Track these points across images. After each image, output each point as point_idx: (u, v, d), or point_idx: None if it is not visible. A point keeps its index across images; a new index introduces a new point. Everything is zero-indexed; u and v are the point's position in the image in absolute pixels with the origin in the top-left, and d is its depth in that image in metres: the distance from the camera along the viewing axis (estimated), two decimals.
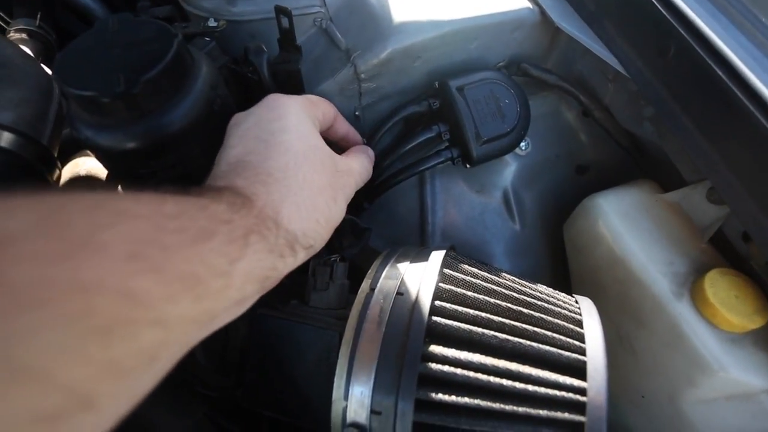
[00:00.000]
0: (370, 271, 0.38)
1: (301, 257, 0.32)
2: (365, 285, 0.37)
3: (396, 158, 0.50)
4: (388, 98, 0.53)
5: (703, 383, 0.40)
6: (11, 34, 0.58)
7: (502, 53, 0.55)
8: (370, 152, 0.44)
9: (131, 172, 0.40)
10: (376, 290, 0.36)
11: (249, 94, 0.47)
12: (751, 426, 0.40)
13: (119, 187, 0.41)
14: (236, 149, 0.33)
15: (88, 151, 0.55)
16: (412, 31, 0.48)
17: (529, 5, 0.52)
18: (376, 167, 0.51)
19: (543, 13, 0.52)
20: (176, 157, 0.39)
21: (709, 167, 0.41)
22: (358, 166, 0.40)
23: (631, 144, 0.55)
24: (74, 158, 0.55)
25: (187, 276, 0.21)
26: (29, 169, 0.43)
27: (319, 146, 0.35)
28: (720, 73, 0.39)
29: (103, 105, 0.34)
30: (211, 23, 0.47)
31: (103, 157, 0.40)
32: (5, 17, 0.59)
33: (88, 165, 0.53)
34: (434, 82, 0.52)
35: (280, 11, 0.43)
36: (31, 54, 0.54)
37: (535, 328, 0.33)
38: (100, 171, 0.53)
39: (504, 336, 0.32)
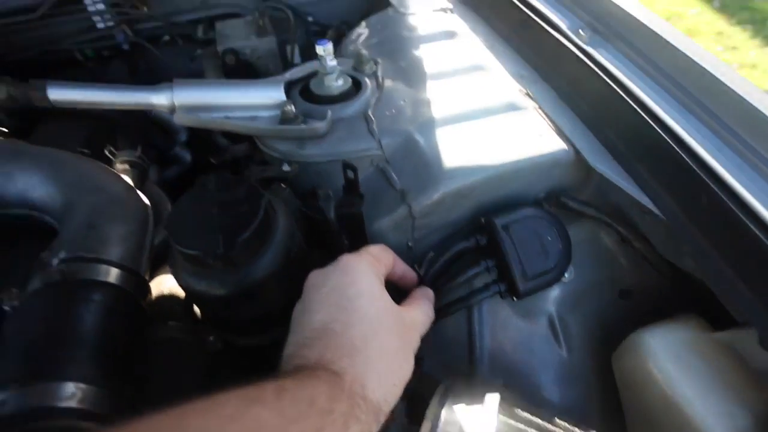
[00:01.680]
0: (428, 413, 0.40)
1: (382, 420, 0.34)
2: (426, 426, 0.39)
3: (447, 290, 0.54)
4: (437, 231, 0.58)
5: None
6: (117, 165, 0.68)
7: (541, 187, 0.59)
8: (430, 294, 0.48)
9: (219, 312, 0.45)
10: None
11: (316, 231, 0.54)
12: None
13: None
14: (319, 315, 0.36)
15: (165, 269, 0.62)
16: (461, 175, 0.54)
17: (565, 146, 0.58)
18: None
19: (578, 152, 0.57)
20: (260, 300, 0.45)
21: (752, 315, 0.42)
22: (422, 317, 0.43)
23: (673, 274, 0.56)
24: (158, 274, 0.62)
25: None
26: (130, 300, 0.48)
27: (388, 307, 0.39)
28: (753, 228, 0.42)
29: (203, 261, 0.40)
30: (285, 168, 0.55)
31: (196, 299, 0.46)
32: (113, 149, 0.70)
33: (169, 284, 0.59)
34: (481, 217, 0.57)
35: (347, 166, 0.50)
36: (132, 184, 0.63)
37: None
38: (180, 290, 0.59)
39: None
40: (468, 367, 0.56)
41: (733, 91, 0.48)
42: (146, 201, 0.59)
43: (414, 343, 0.40)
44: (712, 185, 0.46)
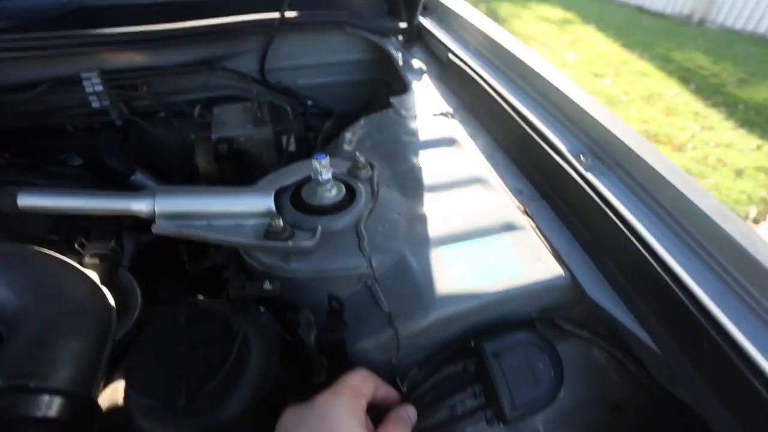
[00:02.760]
0: None
1: None
2: None
3: (430, 413, 0.50)
4: (423, 350, 0.54)
5: None
6: (86, 259, 0.65)
7: (534, 308, 0.57)
8: (410, 413, 0.45)
9: None
10: None
11: (294, 352, 0.50)
12: None
13: None
14: None
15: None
16: (453, 302, 0.52)
17: (562, 272, 0.56)
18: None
19: (574, 278, 0.55)
20: None
21: None
22: None
23: (666, 397, 0.53)
24: (112, 382, 0.56)
25: None
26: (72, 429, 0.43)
27: None
28: (751, 378, 0.39)
29: (163, 410, 0.36)
30: (267, 287, 0.51)
31: None
32: (84, 241, 0.66)
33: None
34: (470, 339, 0.53)
35: (333, 298, 0.47)
36: (99, 280, 0.58)
37: None
38: None
39: None
40: None
41: (735, 239, 0.47)
42: (111, 303, 0.54)
43: None
44: (714, 333, 0.44)
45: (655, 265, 0.49)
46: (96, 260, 0.65)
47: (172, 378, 0.37)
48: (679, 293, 0.47)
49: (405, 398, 0.52)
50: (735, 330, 0.44)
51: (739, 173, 3.03)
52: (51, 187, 0.51)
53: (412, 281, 0.54)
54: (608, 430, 0.58)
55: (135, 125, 0.95)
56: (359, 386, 0.42)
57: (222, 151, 0.79)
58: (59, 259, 0.56)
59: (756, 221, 2.67)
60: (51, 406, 0.42)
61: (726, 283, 0.48)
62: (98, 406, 0.48)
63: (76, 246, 0.65)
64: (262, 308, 0.49)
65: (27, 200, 0.50)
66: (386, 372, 0.56)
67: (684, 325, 0.47)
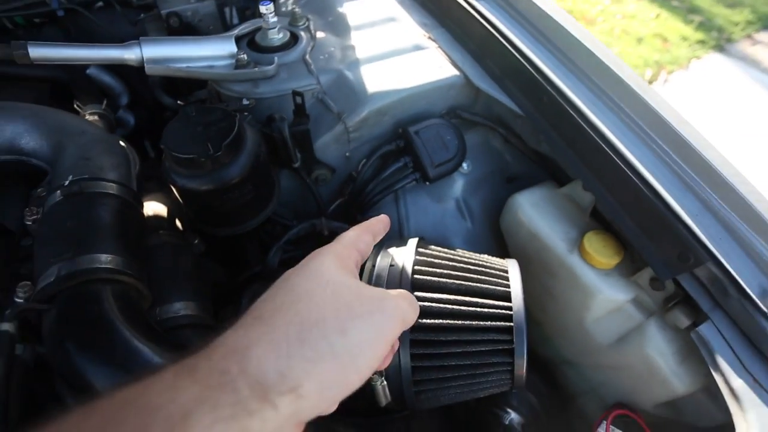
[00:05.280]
0: (370, 255, 0.59)
1: (287, 408, 0.26)
2: (368, 264, 0.57)
3: (378, 182, 0.73)
4: (368, 142, 0.76)
5: (592, 306, 0.62)
6: (86, 116, 0.78)
7: (442, 105, 0.79)
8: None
9: (207, 205, 0.60)
10: (375, 266, 0.57)
11: (273, 147, 0.69)
12: (626, 327, 0.62)
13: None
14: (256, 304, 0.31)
15: (149, 197, 0.75)
16: (381, 97, 0.72)
17: (458, 73, 0.77)
18: (364, 191, 0.74)
19: (467, 77, 0.77)
20: (237, 193, 0.60)
21: (578, 170, 0.65)
22: (397, 295, 0.34)
23: (538, 158, 0.79)
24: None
25: None
26: (132, 206, 0.61)
27: (334, 280, 0.31)
28: (572, 113, 0.64)
29: (198, 162, 0.55)
30: (245, 102, 0.69)
31: (188, 197, 0.60)
32: (80, 105, 0.79)
33: (152, 206, 0.72)
34: (398, 128, 0.75)
35: (296, 93, 0.66)
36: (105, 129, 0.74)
37: (479, 276, 0.55)
38: (162, 210, 0.73)
39: (459, 282, 0.53)
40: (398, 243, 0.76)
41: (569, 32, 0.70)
42: (124, 142, 0.71)
43: (372, 316, 0.31)
44: (549, 88, 0.68)
45: (516, 55, 0.71)
46: (96, 117, 0.79)
47: (199, 141, 0.56)
48: (530, 69, 0.70)
49: (355, 181, 0.74)
50: (560, 82, 0.67)
51: (639, 41, 3.36)
52: (55, 42, 0.64)
53: (350, 88, 0.73)
54: (507, 192, 0.83)
55: (75, 17, 0.99)
56: (354, 241, 0.38)
57: (173, 25, 0.90)
58: (70, 113, 0.70)
59: (650, 82, 3.05)
60: (113, 188, 0.60)
61: (560, 57, 0.72)
62: (141, 198, 0.66)
63: (75, 107, 0.78)
64: (246, 113, 0.67)
65: (38, 52, 0.62)
66: (344, 166, 0.78)
67: (533, 88, 0.70)
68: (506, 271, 0.58)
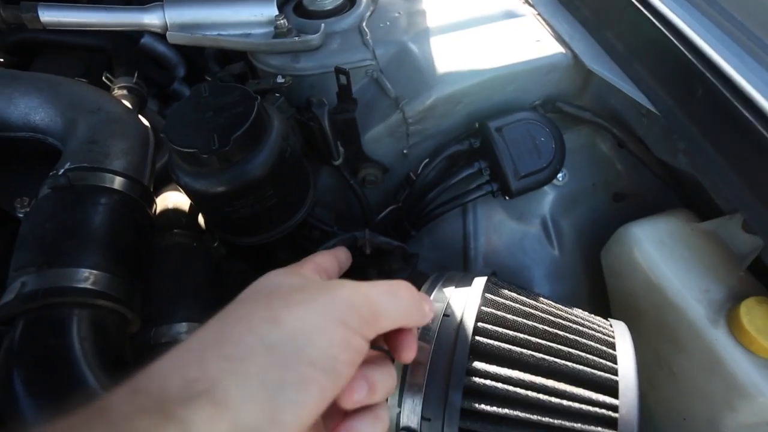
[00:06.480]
0: (423, 287, 0.43)
1: (204, 423, 0.19)
2: None
3: (441, 191, 0.56)
4: (432, 138, 0.59)
5: (743, 408, 0.42)
6: (115, 90, 0.70)
7: (537, 93, 0.59)
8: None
9: (218, 210, 0.48)
10: None
11: (311, 139, 0.55)
12: None
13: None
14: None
15: (169, 188, 0.65)
16: (454, 80, 0.54)
17: (562, 50, 0.57)
18: (423, 200, 0.57)
19: (576, 56, 0.57)
20: (254, 198, 0.47)
21: (740, 200, 0.43)
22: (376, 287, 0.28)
23: (666, 174, 0.57)
24: (162, 192, 0.65)
25: None
26: (135, 205, 0.51)
27: (274, 282, 0.29)
28: (746, 114, 0.42)
29: (201, 159, 0.42)
30: (279, 80, 0.55)
31: (194, 199, 0.49)
32: (110, 76, 0.71)
33: (173, 198, 0.62)
34: (474, 122, 0.57)
35: (339, 71, 0.50)
36: (131, 107, 0.64)
37: (570, 349, 0.37)
38: (184, 203, 0.62)
39: (540, 355, 0.36)
40: (462, 266, 0.59)
41: None
42: (146, 123, 0.61)
43: (346, 313, 0.25)
44: (710, 76, 0.46)
45: (654, 21, 0.50)
46: (124, 92, 0.70)
47: (205, 131, 0.43)
48: (678, 44, 0.48)
49: (412, 185, 0.57)
50: (730, 69, 0.45)
51: None
52: (68, 4, 0.54)
53: (415, 66, 0.56)
54: (610, 215, 0.63)
55: None
56: (309, 257, 0.35)
57: None
58: (91, 85, 0.62)
59: None
60: (113, 181, 0.50)
61: (725, 28, 0.49)
62: (151, 193, 0.56)
63: (104, 80, 0.70)
64: (278, 94, 0.53)
65: (48, 15, 0.53)
66: (399, 165, 0.62)
67: (680, 75, 0.48)
68: (612, 343, 0.40)
